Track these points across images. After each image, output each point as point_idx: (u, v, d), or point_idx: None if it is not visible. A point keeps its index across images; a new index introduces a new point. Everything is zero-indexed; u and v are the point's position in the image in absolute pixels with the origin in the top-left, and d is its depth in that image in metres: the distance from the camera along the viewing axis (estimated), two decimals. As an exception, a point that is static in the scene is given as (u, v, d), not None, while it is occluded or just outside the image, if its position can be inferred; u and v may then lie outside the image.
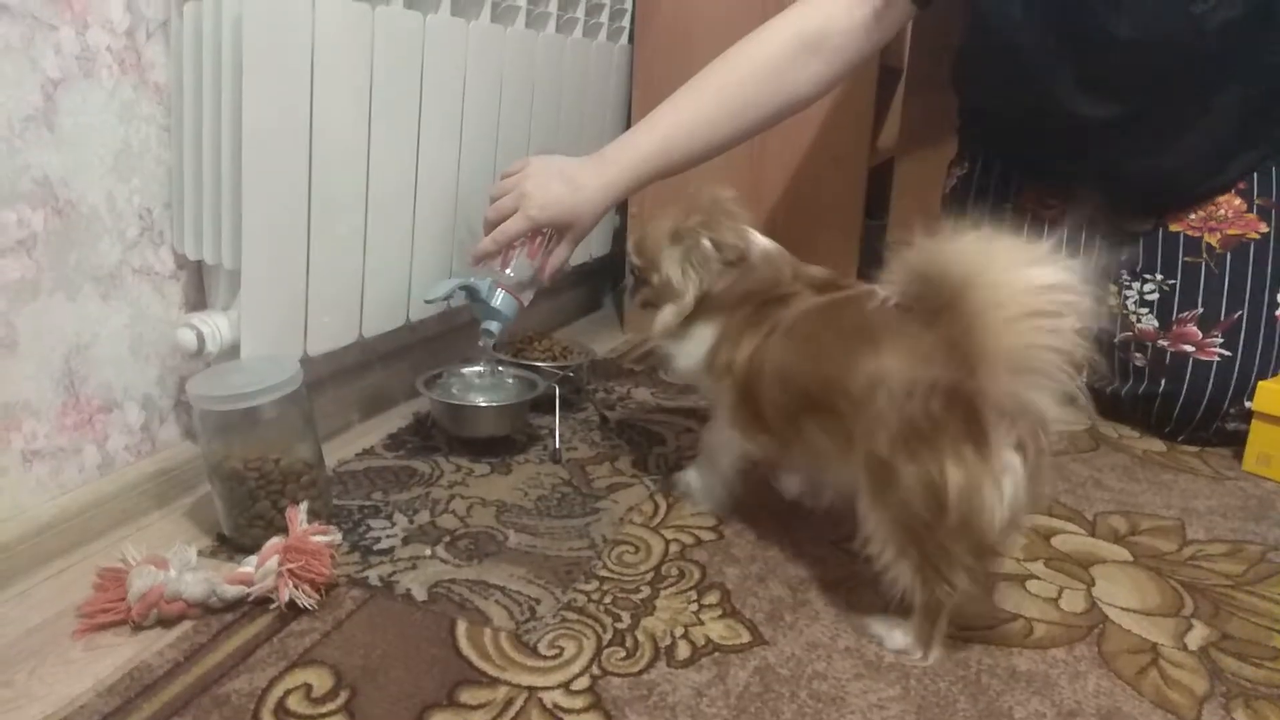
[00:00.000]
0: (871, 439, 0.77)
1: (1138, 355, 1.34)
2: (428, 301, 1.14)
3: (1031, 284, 0.69)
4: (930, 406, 0.73)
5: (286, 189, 0.96)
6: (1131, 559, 0.99)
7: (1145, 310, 1.33)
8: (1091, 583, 0.94)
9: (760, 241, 0.98)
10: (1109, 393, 1.37)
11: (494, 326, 1.15)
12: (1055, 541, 1.02)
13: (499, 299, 1.13)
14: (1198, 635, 0.85)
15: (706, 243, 0.95)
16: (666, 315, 0.98)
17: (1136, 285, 1.35)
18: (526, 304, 1.17)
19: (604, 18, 1.56)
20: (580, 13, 1.47)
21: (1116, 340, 1.36)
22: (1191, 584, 0.94)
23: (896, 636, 0.81)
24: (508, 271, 1.13)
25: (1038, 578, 0.94)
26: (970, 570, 0.76)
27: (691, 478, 1.06)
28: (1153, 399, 1.32)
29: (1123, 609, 0.89)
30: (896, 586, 0.79)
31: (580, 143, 1.57)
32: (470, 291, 1.13)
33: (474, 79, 1.22)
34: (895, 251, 0.78)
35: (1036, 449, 0.74)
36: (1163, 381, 1.30)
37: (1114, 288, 1.37)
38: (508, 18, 1.30)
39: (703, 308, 0.96)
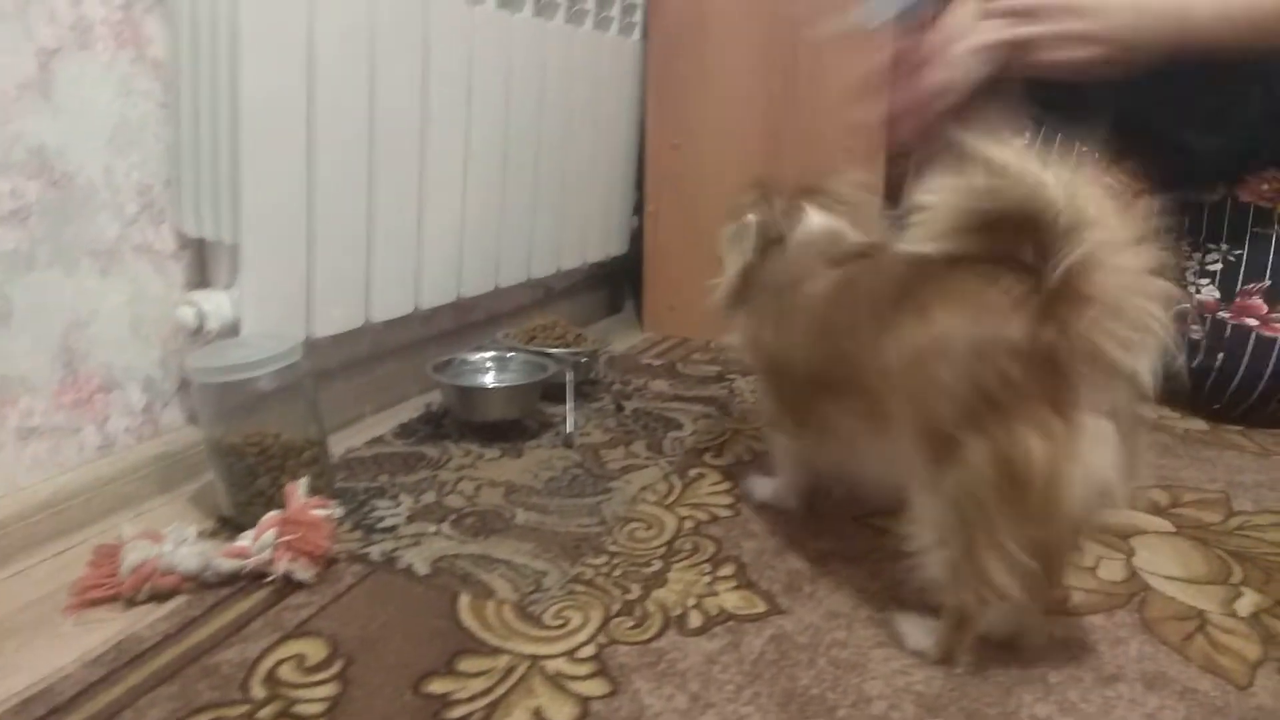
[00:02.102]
0: (928, 413, 0.65)
1: (1194, 327, 1.28)
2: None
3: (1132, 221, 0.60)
4: (1007, 368, 0.61)
5: (286, 164, 0.95)
6: (1174, 530, 0.94)
7: (1206, 281, 1.28)
8: (1131, 553, 0.88)
9: (814, 222, 0.90)
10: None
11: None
12: (1092, 515, 0.97)
13: None
14: (1249, 602, 0.80)
15: (750, 218, 0.92)
16: (717, 290, 0.95)
17: (1198, 256, 1.31)
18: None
19: (615, 11, 1.55)
20: (590, 4, 1.46)
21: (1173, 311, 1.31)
22: (1240, 553, 0.89)
23: (918, 636, 0.71)
24: None
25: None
26: (1026, 573, 0.64)
27: (758, 484, 0.98)
28: (1207, 373, 1.25)
29: (1165, 577, 0.84)
30: (931, 583, 0.68)
31: (595, 137, 1.55)
32: None
33: (481, 62, 1.21)
34: (934, 184, 0.65)
35: (1133, 420, 0.63)
36: (1220, 356, 1.24)
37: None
38: (515, 4, 1.29)
39: (749, 290, 0.92)
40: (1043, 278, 0.61)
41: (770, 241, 0.91)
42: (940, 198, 0.65)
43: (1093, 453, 0.61)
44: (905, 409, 0.68)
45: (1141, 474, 0.64)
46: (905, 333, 0.67)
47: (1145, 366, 0.60)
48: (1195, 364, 1.26)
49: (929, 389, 0.65)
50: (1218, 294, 1.27)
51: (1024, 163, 0.61)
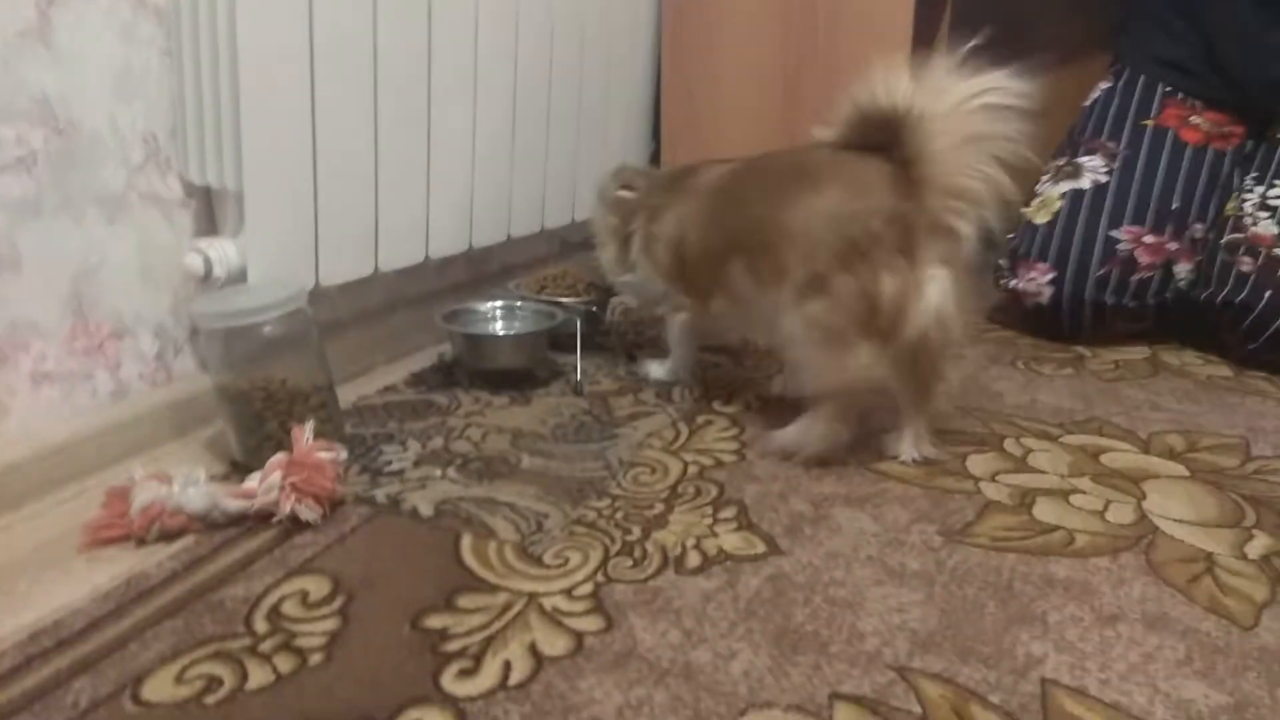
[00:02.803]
0: (810, 260, 0.87)
1: (1245, 259, 1.24)
2: None
3: (966, 110, 0.83)
4: (870, 226, 0.84)
5: (288, 110, 0.95)
6: (1188, 474, 0.92)
7: (1265, 214, 1.25)
8: (1142, 496, 0.87)
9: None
10: (1202, 300, 1.29)
11: None
12: (1104, 459, 0.95)
13: None
14: (1259, 545, 0.79)
15: (612, 185, 1.17)
16: (604, 259, 1.19)
17: (1259, 189, 1.28)
18: None
19: (628, -45, 1.52)
20: (602, -53, 1.44)
21: (1224, 241, 1.28)
22: (1254, 497, 0.87)
23: (790, 433, 0.93)
24: None
25: (1083, 492, 0.88)
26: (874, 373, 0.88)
27: (653, 366, 1.18)
28: (1249, 310, 1.22)
29: (1175, 520, 0.83)
30: (798, 386, 0.93)
31: (609, 85, 1.53)
32: None
33: (488, 5, 1.19)
34: (839, 97, 0.90)
35: (961, 268, 0.87)
36: (1266, 294, 1.21)
37: (1234, 191, 1.32)
38: (523, -53, 1.27)
39: (633, 240, 1.13)
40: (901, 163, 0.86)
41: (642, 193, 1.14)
42: (844, 102, 0.90)
43: (930, 289, 0.85)
44: (795, 258, 0.88)
45: (967, 307, 0.89)
46: (801, 200, 0.89)
47: (968, 230, 0.85)
48: (1239, 299, 1.23)
49: (815, 241, 0.87)
50: (1276, 229, 1.23)
51: (898, 74, 0.84)
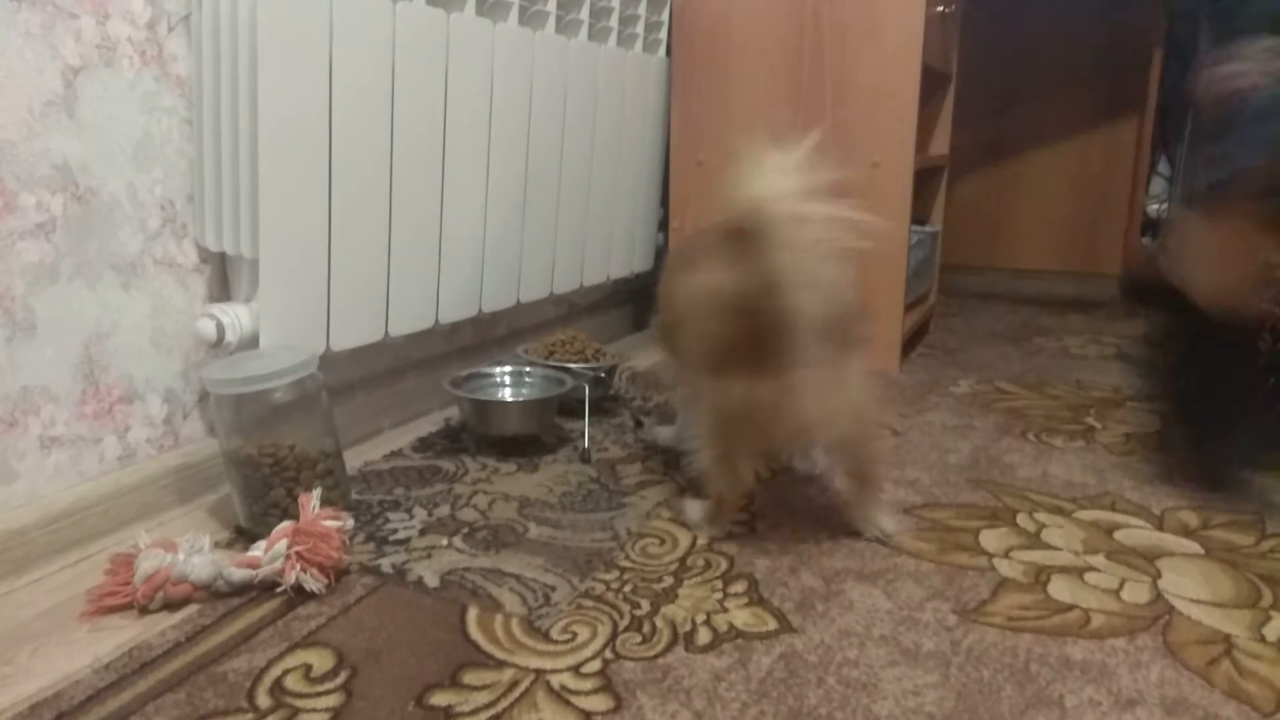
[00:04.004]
0: (690, 350, 0.89)
1: None
2: None
3: (794, 209, 0.78)
4: (732, 321, 0.82)
5: (305, 180, 0.96)
6: (1203, 552, 0.91)
7: None
8: (1157, 575, 0.86)
9: None
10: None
11: None
12: (1118, 535, 0.94)
13: None
14: (1278, 626, 0.77)
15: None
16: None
17: None
18: None
19: (640, 28, 1.56)
20: (614, 22, 1.47)
21: None
22: (1270, 576, 0.86)
23: (692, 511, 0.94)
24: None
25: (1097, 570, 0.87)
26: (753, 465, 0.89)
27: (660, 431, 1.19)
28: None
29: (1192, 600, 0.81)
30: (700, 474, 0.93)
31: (618, 153, 1.56)
32: None
33: (502, 81, 1.22)
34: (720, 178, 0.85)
35: (830, 366, 0.82)
36: None
37: None
38: (537, 22, 1.30)
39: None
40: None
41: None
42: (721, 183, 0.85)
43: (797, 396, 0.82)
44: (684, 341, 0.91)
45: (849, 401, 0.85)
46: (685, 280, 0.90)
47: (819, 331, 0.80)
48: None
49: (691, 328, 0.88)
50: None
51: (756, 171, 0.79)
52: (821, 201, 0.79)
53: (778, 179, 0.79)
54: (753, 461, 0.90)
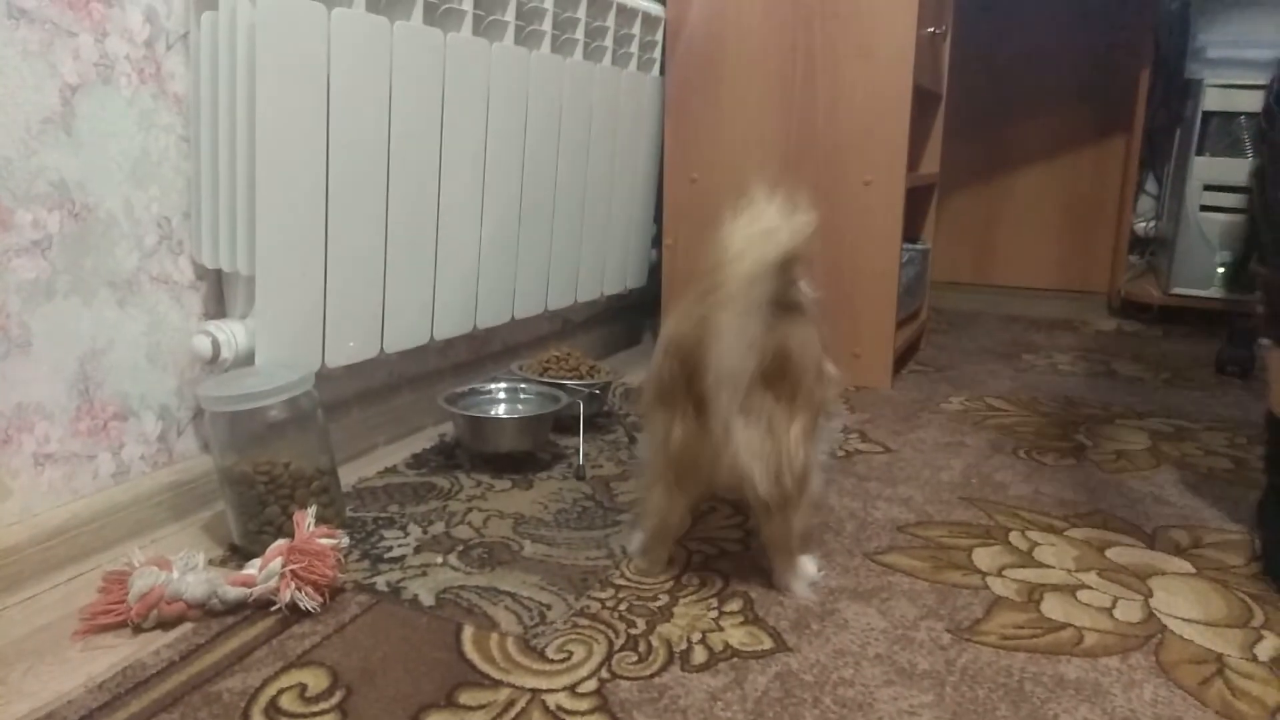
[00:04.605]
0: (647, 382, 0.88)
1: None
2: None
3: (750, 270, 0.75)
4: (675, 367, 0.82)
5: (301, 197, 0.96)
6: (1194, 571, 0.92)
7: None
8: (1149, 594, 0.86)
9: None
10: None
11: None
12: (1110, 553, 0.95)
13: None
14: (1269, 646, 0.78)
15: None
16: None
17: None
18: None
19: (634, 48, 1.57)
20: (608, 41, 1.48)
21: None
22: (1261, 596, 0.87)
23: (636, 539, 0.92)
24: None
25: (1090, 588, 0.87)
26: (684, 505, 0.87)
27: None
28: None
29: (1184, 619, 0.82)
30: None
31: (613, 170, 1.57)
32: None
33: (498, 100, 1.22)
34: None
35: (758, 415, 0.80)
36: None
37: None
38: (533, 42, 1.31)
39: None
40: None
41: None
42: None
43: (728, 441, 0.79)
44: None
45: (771, 463, 0.81)
46: (666, 325, 0.87)
47: (737, 387, 0.78)
48: None
49: (651, 366, 0.87)
50: None
51: (734, 230, 0.77)
52: (783, 265, 0.77)
53: (747, 241, 0.77)
54: (685, 500, 0.86)
